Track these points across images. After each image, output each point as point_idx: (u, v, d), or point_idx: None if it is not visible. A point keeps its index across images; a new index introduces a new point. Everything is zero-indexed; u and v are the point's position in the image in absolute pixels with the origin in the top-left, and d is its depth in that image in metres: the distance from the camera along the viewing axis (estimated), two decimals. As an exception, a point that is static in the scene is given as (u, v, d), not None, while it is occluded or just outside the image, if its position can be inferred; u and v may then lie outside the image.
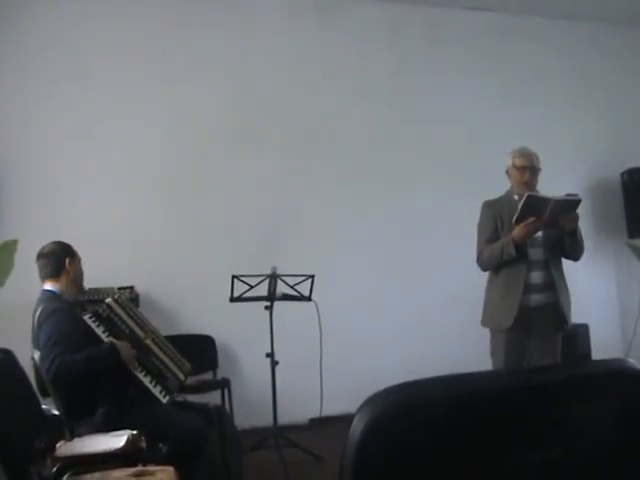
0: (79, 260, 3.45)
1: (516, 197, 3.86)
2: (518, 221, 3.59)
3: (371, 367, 5.23)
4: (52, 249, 3.38)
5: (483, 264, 3.89)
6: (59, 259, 3.34)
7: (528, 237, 3.67)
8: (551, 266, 3.79)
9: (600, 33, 6.82)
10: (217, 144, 5.68)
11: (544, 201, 3.53)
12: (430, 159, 6.13)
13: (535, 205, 3.52)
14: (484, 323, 3.95)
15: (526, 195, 3.52)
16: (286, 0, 5.99)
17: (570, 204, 3.61)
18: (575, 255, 3.87)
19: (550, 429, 0.97)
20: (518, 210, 3.56)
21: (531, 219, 3.56)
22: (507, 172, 3.95)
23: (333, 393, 4.76)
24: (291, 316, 4.77)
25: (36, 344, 3.10)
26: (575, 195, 3.63)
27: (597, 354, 5.89)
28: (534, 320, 3.73)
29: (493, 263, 3.80)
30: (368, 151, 6.05)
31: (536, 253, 3.77)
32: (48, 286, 3.31)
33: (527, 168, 3.82)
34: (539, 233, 3.75)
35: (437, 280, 5.84)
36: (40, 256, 3.36)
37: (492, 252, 3.76)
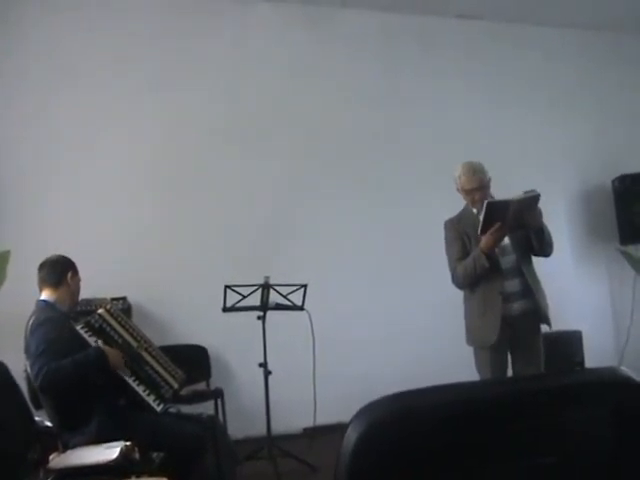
0: (79, 279, 3.48)
1: (475, 211, 3.84)
2: (483, 231, 3.57)
3: (364, 376, 5.23)
4: (57, 259, 3.41)
5: (459, 283, 3.86)
6: (62, 270, 3.37)
7: (497, 245, 3.65)
8: (525, 272, 3.77)
9: (590, 41, 6.88)
10: (210, 154, 5.68)
11: (505, 204, 3.51)
12: (425, 165, 6.13)
13: (497, 210, 3.50)
14: (469, 342, 3.92)
15: (486, 203, 3.50)
16: (279, 9, 6.02)
17: (530, 201, 3.58)
18: (545, 251, 3.81)
19: (544, 436, 0.97)
20: (481, 220, 3.54)
21: (496, 225, 3.54)
22: (458, 190, 3.90)
23: (326, 402, 4.76)
24: (284, 326, 4.77)
25: (27, 354, 3.10)
26: (533, 191, 3.59)
27: (590, 361, 5.90)
28: (516, 328, 3.73)
29: (469, 280, 3.76)
30: (361, 160, 6.06)
31: (508, 261, 3.76)
32: (44, 296, 3.32)
33: (475, 190, 3.77)
34: (507, 241, 3.74)
35: (429, 289, 5.82)
36: (44, 264, 3.39)
37: (465, 269, 3.72)
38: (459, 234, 3.84)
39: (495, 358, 3.74)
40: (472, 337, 3.88)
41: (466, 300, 3.94)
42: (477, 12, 6.43)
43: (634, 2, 6.29)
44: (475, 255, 3.66)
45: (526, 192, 3.60)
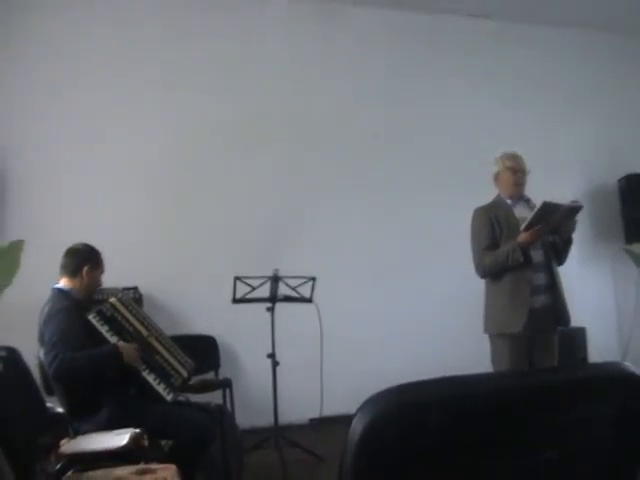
0: (101, 272, 3.45)
1: (509, 202, 3.89)
2: (528, 227, 3.59)
3: (371, 368, 5.26)
4: (80, 249, 3.40)
5: (484, 271, 3.85)
6: (80, 262, 3.35)
7: (534, 244, 3.68)
8: (552, 267, 3.81)
9: (597, 41, 6.87)
10: (219, 146, 5.72)
11: (556, 207, 3.53)
12: (430, 164, 6.18)
13: (547, 212, 3.53)
14: (488, 329, 3.89)
15: (542, 202, 3.50)
16: (287, 6, 6.03)
17: (575, 211, 3.64)
18: (563, 260, 3.89)
19: (548, 431, 0.98)
20: (531, 216, 3.55)
21: (539, 226, 3.56)
22: (495, 177, 3.94)
23: (333, 394, 4.79)
24: (292, 317, 4.80)
25: (41, 342, 3.13)
26: (577, 202, 3.65)
27: (594, 357, 5.92)
28: (537, 321, 3.73)
29: (496, 270, 3.77)
30: (369, 155, 6.09)
31: (538, 255, 3.77)
32: (61, 283, 3.34)
33: (518, 170, 3.84)
34: None
35: (437, 283, 5.87)
36: (67, 252, 3.39)
37: (496, 259, 3.74)
38: (489, 220, 3.84)
39: (514, 347, 3.72)
40: (494, 323, 3.85)
41: (490, 288, 3.91)
42: (484, 11, 6.42)
43: (639, 5, 6.29)
44: (510, 248, 3.67)
45: (572, 201, 3.64)
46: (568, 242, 3.79)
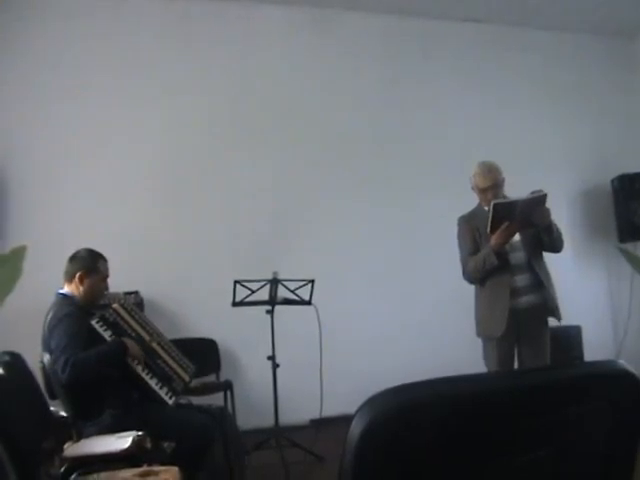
0: (100, 278, 3.40)
1: (486, 209, 3.94)
2: (492, 230, 3.67)
3: (370, 369, 5.29)
4: (79, 256, 3.39)
5: (469, 277, 3.96)
6: (75, 268, 3.34)
7: (506, 243, 3.74)
8: (535, 266, 3.85)
9: (589, 44, 6.93)
10: (218, 150, 5.75)
11: (511, 205, 3.61)
12: (429, 166, 6.21)
13: (503, 210, 3.60)
14: (478, 333, 4.01)
15: (492, 204, 3.60)
16: (284, 13, 6.07)
17: (537, 200, 3.67)
18: (555, 248, 3.90)
19: (545, 430, 0.98)
20: (489, 220, 3.64)
21: (504, 225, 3.63)
22: (472, 188, 4.02)
23: (333, 394, 4.81)
24: (292, 320, 4.83)
25: (46, 348, 3.15)
26: (540, 191, 3.68)
27: (589, 355, 5.97)
28: (524, 321, 3.81)
29: (478, 274, 3.86)
30: (366, 159, 6.13)
31: (518, 257, 3.84)
32: (64, 288, 3.37)
33: (489, 188, 3.87)
34: (517, 237, 3.83)
35: (435, 284, 5.89)
36: (69, 258, 3.39)
37: (476, 264, 3.83)
38: (471, 230, 3.94)
39: (501, 349, 3.83)
40: (481, 328, 3.98)
41: (477, 293, 4.02)
42: (478, 16, 6.48)
43: (629, 9, 6.36)
44: (485, 252, 3.76)
45: (533, 192, 3.70)
46: (549, 230, 3.79)
